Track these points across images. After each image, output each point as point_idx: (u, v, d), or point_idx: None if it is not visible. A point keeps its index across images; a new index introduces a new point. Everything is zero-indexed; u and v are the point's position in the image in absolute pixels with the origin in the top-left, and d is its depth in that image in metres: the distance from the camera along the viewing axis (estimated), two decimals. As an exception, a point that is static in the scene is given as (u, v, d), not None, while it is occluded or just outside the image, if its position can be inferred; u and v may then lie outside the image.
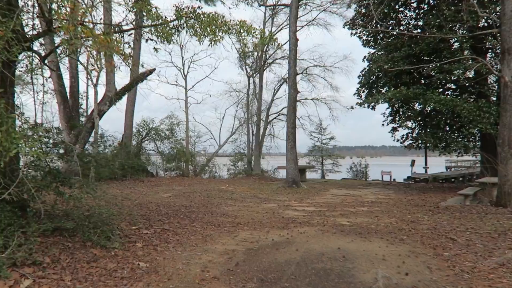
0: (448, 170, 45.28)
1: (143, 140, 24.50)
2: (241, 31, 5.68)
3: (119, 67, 7.05)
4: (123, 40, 5.83)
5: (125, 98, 21.21)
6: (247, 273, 4.53)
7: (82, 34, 3.76)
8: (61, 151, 6.44)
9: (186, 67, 27.55)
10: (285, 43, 24.17)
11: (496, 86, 13.74)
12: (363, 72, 17.19)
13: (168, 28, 5.20)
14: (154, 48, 6.06)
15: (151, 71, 15.69)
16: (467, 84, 15.22)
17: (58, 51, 8.92)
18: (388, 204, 11.06)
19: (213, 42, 5.46)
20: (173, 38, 5.80)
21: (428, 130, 14.57)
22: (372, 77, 16.56)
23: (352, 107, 16.50)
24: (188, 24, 5.32)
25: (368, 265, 4.74)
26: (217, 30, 5.25)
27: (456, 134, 14.26)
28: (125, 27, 5.80)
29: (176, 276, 4.37)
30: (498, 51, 14.29)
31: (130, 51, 6.21)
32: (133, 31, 5.89)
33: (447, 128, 14.73)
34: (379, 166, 41.11)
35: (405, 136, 17.36)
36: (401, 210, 9.30)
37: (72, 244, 4.97)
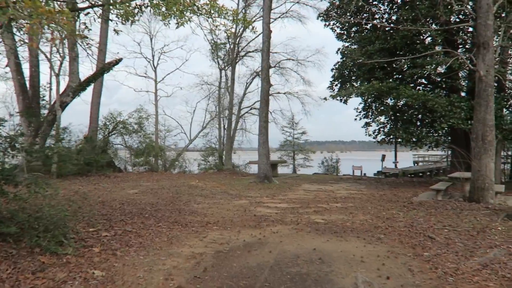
0: (416, 164, 46.46)
1: (110, 134, 23.44)
2: (212, 11, 5.16)
3: (87, 55, 6.37)
4: (80, 20, 5.19)
5: (90, 89, 20.18)
6: (216, 280, 4.08)
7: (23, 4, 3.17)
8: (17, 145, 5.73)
9: (156, 59, 26.61)
10: (258, 35, 23.75)
11: (467, 81, 13.85)
12: (336, 66, 17.02)
13: (129, 6, 4.62)
14: (115, 30, 5.46)
15: (117, 61, 14.85)
16: (439, 79, 15.31)
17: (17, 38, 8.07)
18: (361, 199, 10.89)
19: (180, 24, 4.92)
20: (137, 20, 5.23)
21: (400, 125, 14.55)
22: (345, 71, 16.40)
23: (325, 98, 16.31)
24: (153, 3, 4.76)
25: (346, 269, 4.40)
26: (184, 11, 4.72)
27: (427, 129, 14.31)
28: (81, 5, 5.17)
29: (135, 286, 3.87)
30: (468, 46, 14.44)
31: (88, 33, 5.59)
32: (90, 10, 5.29)
33: (419, 123, 14.77)
34: (350, 161, 41.62)
35: (377, 131, 17.35)
36: (375, 206, 9.11)
37: (16, 251, 4.36)
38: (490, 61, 8.89)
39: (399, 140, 14.72)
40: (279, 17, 24.95)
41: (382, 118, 15.96)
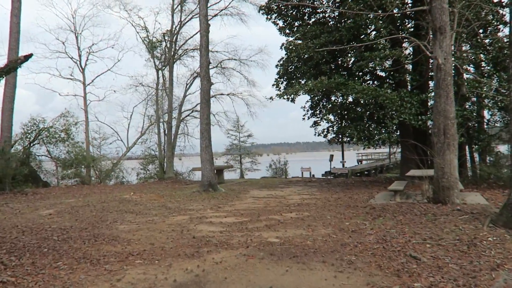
0: (360, 163, 47.33)
1: (32, 144, 20.54)
2: None
3: None
4: None
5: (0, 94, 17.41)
6: None
7: None
8: None
9: (83, 59, 24.01)
10: (196, 33, 22.18)
11: (413, 75, 13.31)
12: (281, 62, 15.90)
13: None
14: None
15: (27, 57, 12.46)
16: (384, 74, 14.75)
17: None
18: (317, 206, 9.74)
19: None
20: None
21: (350, 122, 13.73)
22: (290, 67, 15.35)
23: (271, 98, 15.12)
24: None
25: (319, 322, 3.05)
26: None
27: (378, 126, 13.61)
28: None
29: None
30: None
31: None
32: None
33: (369, 120, 14.03)
34: (297, 162, 41.16)
35: (326, 130, 16.50)
36: (335, 215, 7.96)
37: None
38: (448, 48, 8.14)
39: (350, 138, 13.89)
40: (218, 13, 23.56)
41: (331, 116, 15.08)
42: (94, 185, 20.49)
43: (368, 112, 13.63)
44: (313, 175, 26.02)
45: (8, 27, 17.26)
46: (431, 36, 8.84)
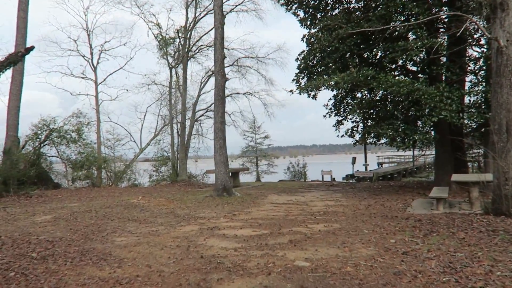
0: (380, 166, 45.53)
1: (42, 145, 19.79)
2: None
3: None
4: None
5: (6, 91, 16.67)
6: None
7: None
8: None
9: (95, 57, 23.17)
10: (211, 29, 21.10)
11: (447, 69, 11.78)
12: (302, 55, 14.59)
13: None
14: None
15: (28, 49, 11.55)
16: (417, 68, 13.29)
17: None
18: (346, 215, 8.41)
19: None
20: None
21: (380, 121, 12.28)
22: (312, 61, 14.01)
23: (291, 91, 13.81)
24: None
25: None
26: None
27: (414, 125, 12.15)
28: None
29: None
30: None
31: None
32: None
33: (402, 119, 12.54)
34: (315, 165, 39.66)
35: (350, 130, 15.09)
36: (372, 228, 6.62)
37: None
38: (511, 27, 6.71)
39: (378, 139, 12.47)
40: (233, 9, 22.39)
41: (355, 115, 13.63)
42: (105, 187, 19.60)
43: (401, 110, 12.17)
44: (334, 179, 24.59)
45: (15, 23, 16.49)
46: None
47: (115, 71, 23.49)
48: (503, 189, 6.52)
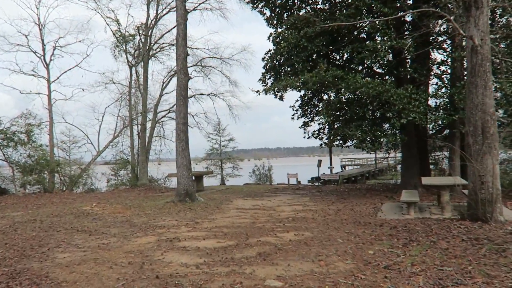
0: (344, 168, 46.01)
1: (-15, 148, 18.14)
2: None
3: None
4: None
5: None
6: None
7: None
8: None
9: (48, 54, 21.56)
10: (174, 27, 20.22)
11: (421, 70, 11.69)
12: (268, 54, 14.10)
13: None
14: None
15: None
16: (384, 69, 13.15)
17: None
18: (317, 222, 7.93)
19: None
20: None
21: (348, 123, 11.97)
22: (280, 59, 13.53)
23: (257, 92, 13.27)
24: None
25: None
26: None
27: (382, 127, 11.92)
28: None
29: None
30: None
31: None
32: None
33: (371, 120, 12.29)
34: (280, 167, 39.42)
35: (317, 131, 14.75)
36: (346, 236, 6.14)
37: None
38: (485, 26, 6.50)
39: (351, 141, 12.15)
40: (197, 7, 21.59)
41: (323, 116, 13.26)
42: (57, 193, 18.21)
43: (370, 111, 11.92)
44: (300, 182, 24.31)
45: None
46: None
47: (70, 69, 21.93)
48: (479, 194, 6.25)
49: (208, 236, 6.78)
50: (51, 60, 21.42)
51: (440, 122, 11.79)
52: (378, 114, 12.15)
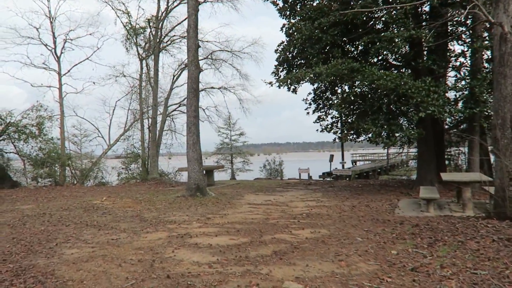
0: (354, 164, 45.46)
1: (-2, 140, 18.19)
2: None
3: None
4: None
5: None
6: None
7: None
8: None
9: (59, 47, 21.48)
10: (184, 19, 19.94)
11: (441, 61, 11.24)
12: (281, 46, 13.74)
13: None
14: None
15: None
16: (401, 61, 12.71)
17: None
18: (332, 218, 7.64)
19: None
20: None
21: (364, 116, 11.60)
22: (293, 51, 13.17)
23: (270, 83, 12.96)
24: None
25: None
26: None
27: (398, 121, 11.48)
28: None
29: None
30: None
31: None
32: None
33: (388, 114, 11.85)
34: (290, 162, 39.07)
35: (330, 125, 14.40)
36: (365, 235, 5.84)
37: None
38: (516, 12, 6.09)
39: (365, 135, 11.77)
40: (209, -1, 21.27)
41: (338, 109, 12.87)
42: (68, 186, 18.17)
43: (386, 105, 11.50)
44: (311, 177, 23.96)
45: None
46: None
47: (81, 62, 21.84)
48: (507, 191, 5.88)
49: (220, 232, 6.54)
50: (61, 53, 21.35)
51: (459, 116, 11.34)
52: (394, 107, 11.71)
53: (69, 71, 21.54)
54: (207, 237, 6.18)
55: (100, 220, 8.04)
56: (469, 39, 12.14)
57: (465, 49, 11.89)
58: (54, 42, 21.31)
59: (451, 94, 11.99)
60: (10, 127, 18.43)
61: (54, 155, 19.02)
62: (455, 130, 14.56)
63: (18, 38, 20.67)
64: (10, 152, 19.14)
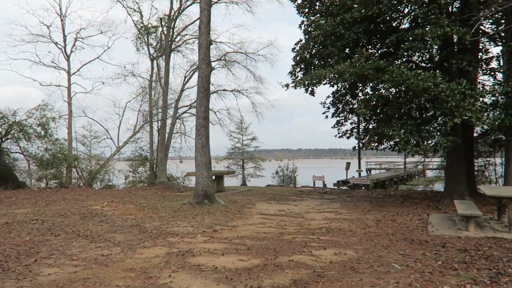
0: (369, 172, 44.06)
1: (2, 139, 17.60)
2: None
3: None
4: None
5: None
6: None
7: None
8: None
9: (69, 45, 20.95)
10: (197, 19, 19.20)
11: (477, 62, 10.18)
12: (298, 45, 12.81)
13: None
14: None
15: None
16: (431, 61, 11.67)
17: None
18: (357, 235, 6.63)
19: None
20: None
21: (389, 121, 10.56)
22: (312, 50, 12.23)
23: (287, 85, 12.05)
24: None
25: None
26: None
27: (429, 127, 10.38)
28: None
29: None
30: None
31: None
32: None
33: (417, 119, 10.77)
34: (302, 169, 37.95)
35: (349, 131, 13.40)
36: (402, 260, 4.83)
37: None
38: None
39: (390, 142, 10.73)
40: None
41: (361, 113, 11.82)
42: (73, 188, 17.45)
43: (415, 109, 10.43)
44: (325, 185, 22.88)
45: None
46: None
47: (91, 61, 21.27)
48: None
49: (227, 250, 5.60)
50: (72, 51, 20.82)
51: (495, 124, 10.23)
52: (424, 112, 10.65)
53: (78, 70, 21.00)
54: (212, 256, 5.24)
55: (94, 230, 7.17)
56: (504, 40, 11.06)
57: (504, 50, 10.77)
58: (64, 41, 20.81)
59: (485, 99, 10.91)
60: (14, 126, 17.85)
61: (60, 156, 18.38)
62: (484, 138, 13.42)
63: (28, 35, 20.22)
64: (16, 152, 18.56)
